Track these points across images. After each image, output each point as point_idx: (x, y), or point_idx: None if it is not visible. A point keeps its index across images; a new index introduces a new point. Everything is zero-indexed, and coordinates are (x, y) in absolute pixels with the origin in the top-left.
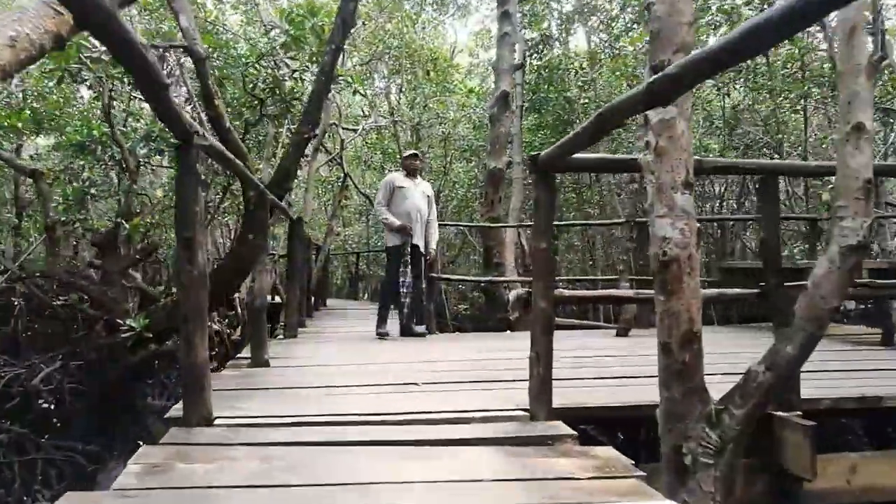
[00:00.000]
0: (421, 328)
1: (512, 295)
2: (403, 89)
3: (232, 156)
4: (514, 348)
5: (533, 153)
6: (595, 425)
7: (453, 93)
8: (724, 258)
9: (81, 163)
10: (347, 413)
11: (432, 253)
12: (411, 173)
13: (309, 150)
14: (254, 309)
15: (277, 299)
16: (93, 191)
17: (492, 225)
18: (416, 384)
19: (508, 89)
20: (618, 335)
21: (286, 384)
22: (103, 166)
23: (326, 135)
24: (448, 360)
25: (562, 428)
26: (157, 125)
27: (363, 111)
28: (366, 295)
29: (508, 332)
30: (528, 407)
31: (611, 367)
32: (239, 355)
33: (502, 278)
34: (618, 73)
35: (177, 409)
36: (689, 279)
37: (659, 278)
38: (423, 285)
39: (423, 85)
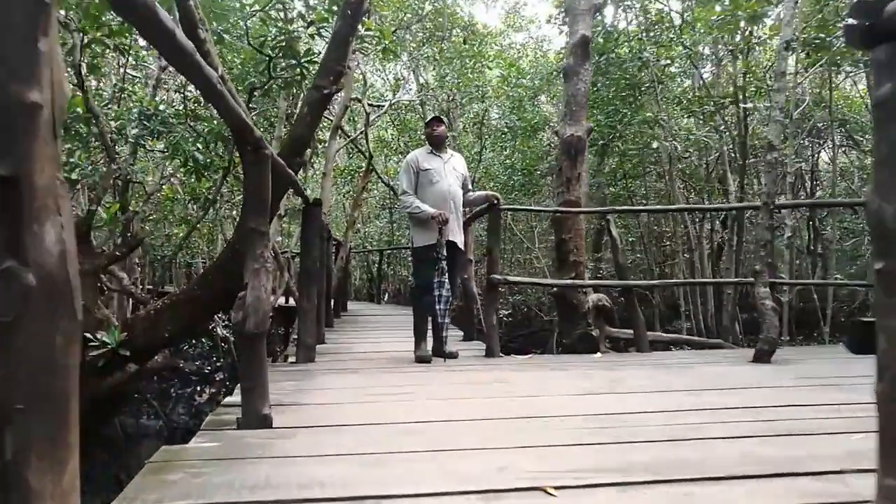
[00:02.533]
0: (452, 349)
1: (590, 301)
2: (437, 59)
3: (192, 46)
4: (638, 387)
5: None
6: None
7: (490, 68)
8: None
9: (67, 146)
10: None
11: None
12: (437, 146)
13: (326, 134)
14: (245, 336)
15: (292, 302)
16: (74, 176)
17: (570, 210)
18: (544, 491)
19: (588, 33)
20: (756, 360)
21: (291, 487)
22: (90, 148)
23: (348, 110)
24: (561, 415)
25: None
26: (154, 103)
27: (383, 96)
28: (386, 297)
29: (598, 354)
30: None
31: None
32: (228, 399)
33: (582, 282)
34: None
35: None
36: None
37: None
38: (461, 289)
39: (457, 56)
